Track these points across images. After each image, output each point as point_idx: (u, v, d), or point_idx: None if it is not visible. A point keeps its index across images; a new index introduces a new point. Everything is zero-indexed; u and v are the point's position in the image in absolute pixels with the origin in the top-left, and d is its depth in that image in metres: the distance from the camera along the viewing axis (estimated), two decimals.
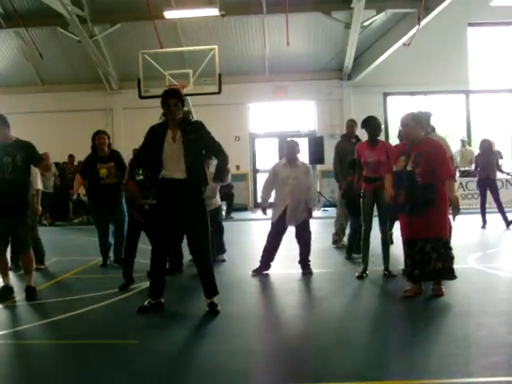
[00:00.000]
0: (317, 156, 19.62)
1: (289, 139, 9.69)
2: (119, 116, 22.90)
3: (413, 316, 6.80)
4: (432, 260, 7.19)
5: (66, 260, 10.13)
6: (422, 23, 19.52)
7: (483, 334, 5.88)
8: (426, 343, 5.63)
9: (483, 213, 14.52)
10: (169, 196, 6.81)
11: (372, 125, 8.80)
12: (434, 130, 9.35)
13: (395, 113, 22.07)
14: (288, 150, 9.22)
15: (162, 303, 7.11)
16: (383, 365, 5.15)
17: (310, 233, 9.35)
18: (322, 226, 14.46)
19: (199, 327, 6.49)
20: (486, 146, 14.51)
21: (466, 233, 10.49)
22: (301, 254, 9.25)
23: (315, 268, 9.21)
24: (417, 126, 7.30)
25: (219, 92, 17.38)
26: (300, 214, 9.11)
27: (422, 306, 7.06)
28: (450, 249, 7.37)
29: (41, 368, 5.31)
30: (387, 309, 7.30)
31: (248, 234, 15.90)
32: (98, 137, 10.08)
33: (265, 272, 9.21)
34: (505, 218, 14.07)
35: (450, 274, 7.36)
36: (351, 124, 11.88)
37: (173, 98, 6.88)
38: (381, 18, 20.28)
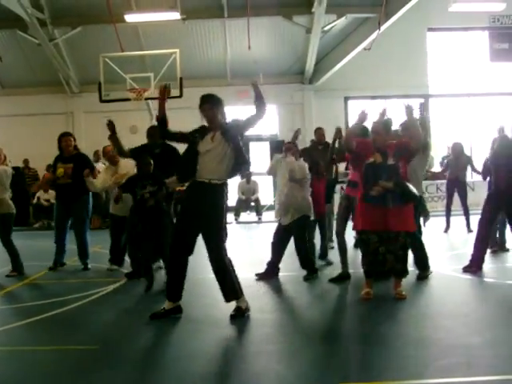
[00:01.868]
0: None
1: (287, 141, 10.05)
2: (80, 120, 22.68)
3: (371, 319, 6.84)
4: (387, 262, 7.34)
5: (26, 265, 10.00)
6: (383, 28, 19.72)
7: (441, 335, 5.95)
8: (384, 346, 5.68)
9: (448, 215, 14.66)
10: (196, 197, 6.78)
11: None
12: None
13: (356, 117, 22.15)
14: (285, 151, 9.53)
15: (180, 307, 6.91)
16: (340, 367, 5.20)
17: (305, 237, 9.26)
18: None
19: (164, 331, 6.48)
20: (458, 148, 14.66)
21: (428, 235, 10.60)
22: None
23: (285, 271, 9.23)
24: (387, 134, 7.52)
25: (181, 96, 17.35)
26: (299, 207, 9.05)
27: (381, 309, 7.12)
28: (405, 249, 7.52)
29: None
30: (345, 312, 7.38)
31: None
32: (65, 139, 10.31)
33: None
34: (468, 223, 14.20)
35: (403, 273, 7.55)
36: (322, 133, 12.18)
37: (206, 104, 6.90)
38: (341, 22, 20.43)
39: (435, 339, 5.85)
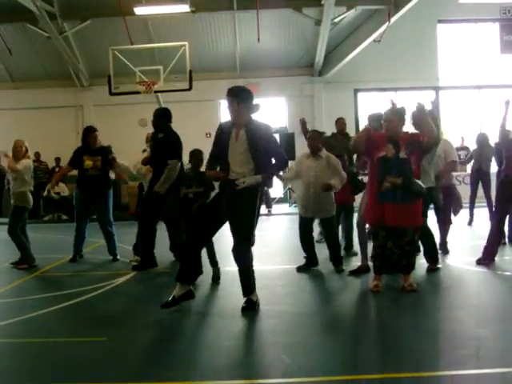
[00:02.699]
0: (288, 152, 19.47)
1: (310, 130, 9.67)
2: (90, 113, 22.68)
3: (383, 311, 6.86)
4: (394, 255, 7.31)
5: (36, 258, 10.04)
6: (392, 20, 19.67)
7: (453, 327, 5.95)
8: (395, 338, 5.68)
9: (471, 207, 14.45)
10: (226, 191, 6.77)
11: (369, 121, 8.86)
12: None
13: (366, 109, 22.16)
14: (309, 142, 9.12)
15: (192, 292, 6.84)
16: (355, 359, 5.20)
17: (334, 232, 9.23)
18: (293, 221, 14.46)
19: (174, 323, 6.49)
20: (481, 139, 14.54)
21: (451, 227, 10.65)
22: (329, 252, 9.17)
23: (287, 264, 9.23)
24: (400, 122, 7.42)
25: (190, 89, 17.39)
26: (321, 207, 8.96)
27: (393, 301, 7.13)
28: (415, 245, 7.53)
29: (6, 367, 5.25)
30: (358, 304, 7.36)
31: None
32: (92, 135, 10.53)
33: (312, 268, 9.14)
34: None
35: (410, 268, 7.51)
36: (344, 122, 12.14)
37: (227, 96, 6.85)
38: (351, 14, 20.39)
39: (446, 331, 5.85)
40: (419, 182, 7.29)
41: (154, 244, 9.33)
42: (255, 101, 7.03)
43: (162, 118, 9.11)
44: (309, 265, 9.08)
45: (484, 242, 9.23)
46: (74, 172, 10.76)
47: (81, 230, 10.54)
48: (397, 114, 7.40)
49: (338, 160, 9.06)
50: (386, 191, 7.21)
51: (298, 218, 9.27)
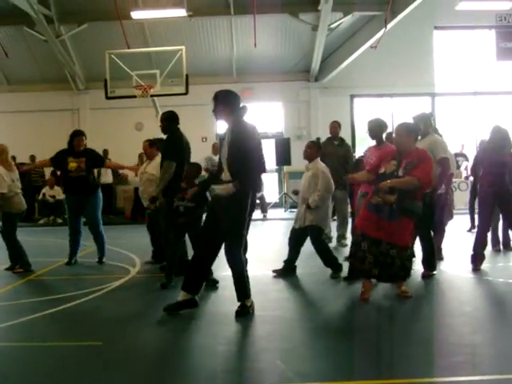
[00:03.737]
0: (284, 157, 19.79)
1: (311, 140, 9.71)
2: (86, 116, 22.65)
3: (377, 317, 6.85)
4: (394, 266, 7.22)
5: (31, 262, 10.01)
6: (389, 26, 19.68)
7: (445, 334, 5.98)
8: (389, 344, 5.69)
9: (472, 214, 13.99)
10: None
11: (369, 127, 8.86)
12: (436, 131, 9.39)
13: (362, 115, 22.21)
14: (304, 150, 9.12)
15: (195, 301, 6.87)
16: (349, 365, 5.19)
17: (319, 242, 9.00)
18: (288, 227, 14.46)
19: (169, 327, 6.49)
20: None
21: (449, 234, 10.64)
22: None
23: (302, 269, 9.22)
24: (409, 137, 7.33)
25: (186, 93, 17.38)
26: (304, 216, 8.87)
27: (386, 308, 7.14)
28: (412, 260, 7.54)
29: (1, 371, 5.22)
30: (353, 311, 7.35)
31: None
32: (77, 139, 10.53)
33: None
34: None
35: (402, 278, 7.44)
36: (335, 125, 12.15)
37: (213, 100, 6.87)
38: (348, 20, 20.42)
39: (440, 338, 5.87)
40: (416, 202, 7.16)
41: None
42: (249, 104, 7.02)
43: (169, 120, 9.07)
44: (285, 271, 9.07)
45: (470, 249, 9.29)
46: None
47: (75, 233, 10.55)
48: (407, 130, 7.36)
49: (325, 174, 8.91)
50: (376, 205, 7.19)
51: None
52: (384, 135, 9.04)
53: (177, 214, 8.30)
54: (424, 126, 8.48)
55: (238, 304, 6.77)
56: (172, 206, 8.36)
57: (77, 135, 10.62)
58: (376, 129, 8.85)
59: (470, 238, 13.09)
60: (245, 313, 6.70)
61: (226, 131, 6.90)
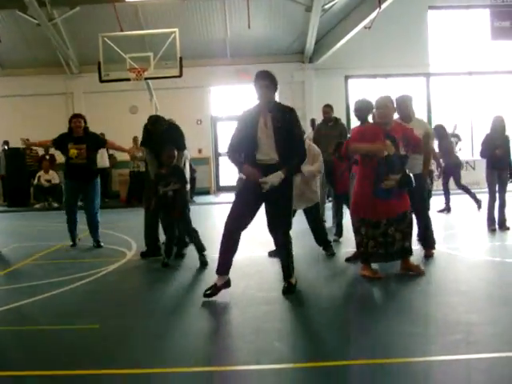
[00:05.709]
0: None
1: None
2: (80, 100, 22.53)
3: (374, 297, 6.91)
4: (396, 241, 7.29)
5: (27, 246, 10.03)
6: (383, 6, 19.62)
7: (443, 313, 5.98)
8: (387, 323, 5.70)
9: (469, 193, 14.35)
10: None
11: (356, 108, 8.85)
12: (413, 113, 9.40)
13: (356, 95, 22.15)
14: None
15: (229, 281, 6.83)
16: (345, 345, 5.22)
17: (317, 219, 9.26)
18: None
19: (167, 310, 6.51)
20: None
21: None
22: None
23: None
24: (393, 108, 7.47)
25: (180, 75, 17.34)
26: (301, 197, 8.89)
27: (384, 287, 7.15)
28: (412, 225, 7.54)
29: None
30: (350, 290, 7.37)
31: (211, 217, 15.86)
32: (75, 120, 10.51)
33: None
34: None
35: (410, 252, 7.54)
36: (326, 110, 12.47)
37: (263, 80, 6.78)
38: (342, 0, 20.31)
39: (437, 316, 5.89)
40: (411, 174, 7.34)
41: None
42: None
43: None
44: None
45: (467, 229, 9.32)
46: (63, 159, 10.81)
47: (72, 218, 10.60)
48: (392, 101, 7.42)
49: (318, 150, 9.12)
50: (385, 190, 7.22)
51: None
52: (370, 116, 9.03)
53: (167, 199, 8.56)
54: (409, 107, 8.52)
55: (285, 282, 6.90)
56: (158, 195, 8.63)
57: (73, 117, 10.63)
58: (363, 108, 8.82)
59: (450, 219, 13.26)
60: (291, 290, 6.82)
61: (258, 113, 6.75)
